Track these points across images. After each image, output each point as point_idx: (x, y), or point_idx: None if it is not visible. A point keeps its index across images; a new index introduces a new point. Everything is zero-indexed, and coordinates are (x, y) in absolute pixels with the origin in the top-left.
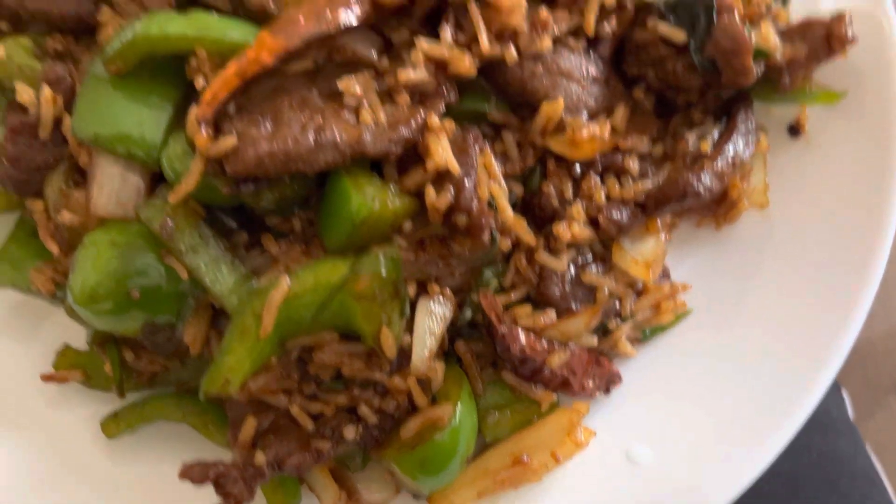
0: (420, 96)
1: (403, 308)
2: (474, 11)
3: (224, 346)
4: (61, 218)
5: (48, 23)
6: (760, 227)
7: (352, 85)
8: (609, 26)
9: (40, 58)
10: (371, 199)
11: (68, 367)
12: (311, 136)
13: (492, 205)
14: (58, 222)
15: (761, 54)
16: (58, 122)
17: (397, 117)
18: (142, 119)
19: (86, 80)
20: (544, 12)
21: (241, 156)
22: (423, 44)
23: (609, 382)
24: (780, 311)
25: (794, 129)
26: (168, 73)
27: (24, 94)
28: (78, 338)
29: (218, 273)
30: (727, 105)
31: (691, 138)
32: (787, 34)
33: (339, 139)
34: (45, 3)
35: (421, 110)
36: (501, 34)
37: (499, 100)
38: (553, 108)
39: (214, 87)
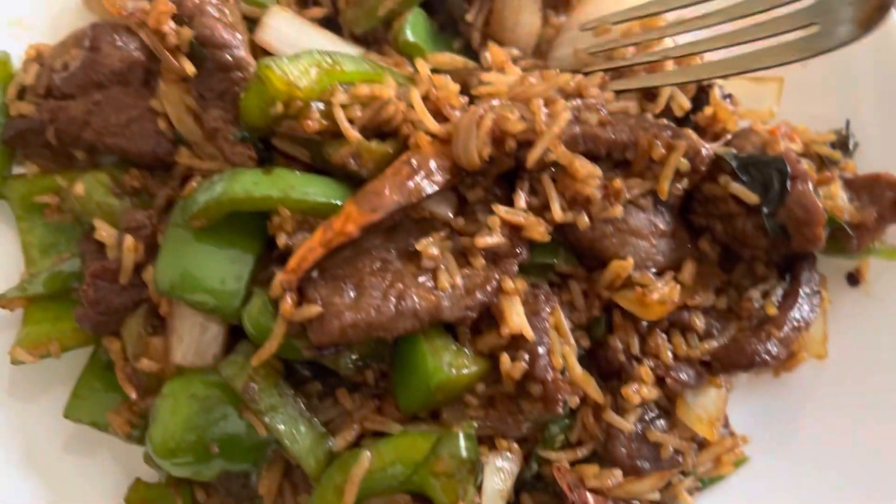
0: (494, 256)
1: (478, 478)
2: (547, 182)
3: None
4: (140, 366)
5: (124, 158)
6: (817, 373)
7: (429, 247)
8: (680, 185)
9: (118, 195)
10: (448, 366)
11: (140, 501)
12: (392, 304)
13: (563, 371)
14: (135, 366)
15: (832, 222)
16: (137, 267)
17: (473, 281)
18: (223, 274)
19: (168, 233)
20: (618, 183)
21: (325, 327)
22: (501, 210)
23: None
24: (837, 460)
25: (854, 279)
26: (249, 226)
27: (102, 231)
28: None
29: (296, 433)
30: (790, 258)
31: (755, 295)
32: (854, 187)
33: (418, 307)
34: (123, 140)
35: (496, 273)
36: (575, 200)
37: (566, 251)
38: (622, 267)
39: (300, 255)
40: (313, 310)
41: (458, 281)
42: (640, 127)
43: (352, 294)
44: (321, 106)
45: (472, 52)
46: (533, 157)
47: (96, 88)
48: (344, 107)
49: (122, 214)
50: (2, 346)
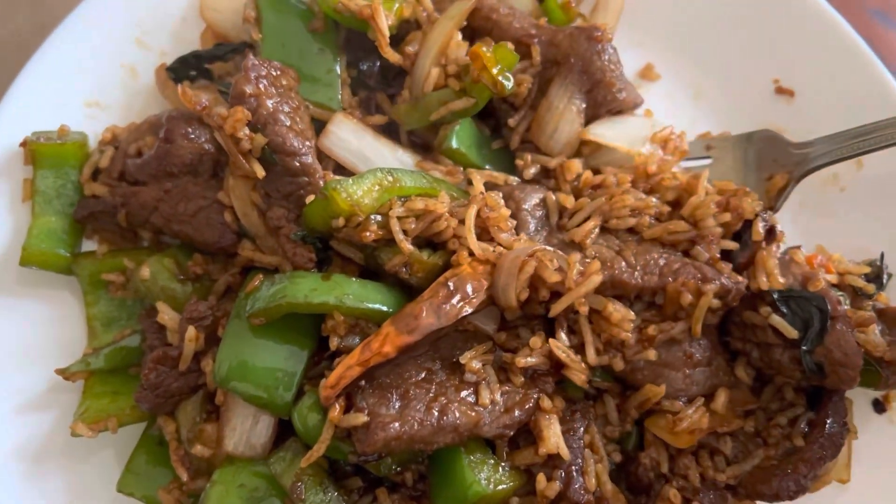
0: (533, 373)
1: None
2: (583, 324)
3: None
4: (194, 451)
5: (188, 245)
6: (838, 493)
7: (472, 361)
8: (714, 316)
9: (181, 280)
10: (485, 481)
11: None
12: (434, 419)
13: (595, 494)
14: (188, 449)
15: (866, 362)
16: (196, 355)
17: (513, 399)
18: (277, 371)
19: (228, 326)
20: (652, 330)
21: (370, 437)
22: (553, 343)
23: None
24: None
25: (880, 405)
26: (305, 324)
27: (164, 315)
28: None
29: None
30: (819, 387)
31: (783, 422)
32: (887, 318)
33: (459, 423)
34: (189, 228)
35: (534, 392)
36: (610, 342)
37: (602, 368)
38: (654, 392)
39: (338, 373)
40: (360, 419)
41: (498, 398)
42: (669, 271)
43: (397, 405)
44: (378, 217)
45: (510, 153)
46: (556, 310)
47: (167, 177)
48: (399, 218)
49: (184, 300)
50: (61, 409)
